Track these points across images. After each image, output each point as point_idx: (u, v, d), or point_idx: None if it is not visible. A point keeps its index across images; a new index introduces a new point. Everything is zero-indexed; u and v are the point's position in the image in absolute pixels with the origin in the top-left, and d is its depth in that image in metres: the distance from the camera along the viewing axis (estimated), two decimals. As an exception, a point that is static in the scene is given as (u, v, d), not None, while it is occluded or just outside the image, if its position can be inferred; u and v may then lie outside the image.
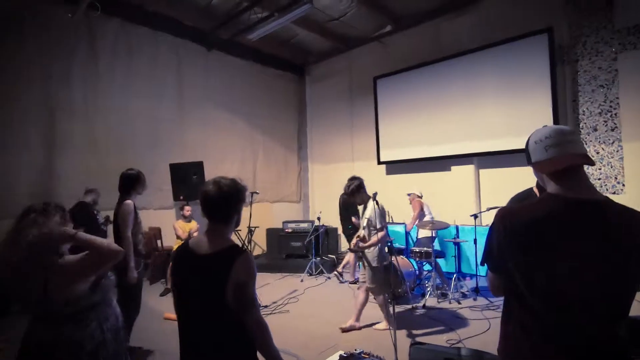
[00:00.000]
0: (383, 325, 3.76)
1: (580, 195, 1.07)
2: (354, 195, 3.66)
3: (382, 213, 3.54)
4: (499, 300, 4.35)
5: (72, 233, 1.66)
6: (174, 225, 5.72)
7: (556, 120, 5.16)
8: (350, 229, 5.73)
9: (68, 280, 1.57)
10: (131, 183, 3.05)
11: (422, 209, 5.37)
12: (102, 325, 1.66)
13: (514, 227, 1.08)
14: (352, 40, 7.74)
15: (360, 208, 3.86)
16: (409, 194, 5.60)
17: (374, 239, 3.52)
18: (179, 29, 6.73)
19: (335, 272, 6.00)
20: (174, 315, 1.58)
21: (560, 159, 1.09)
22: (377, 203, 3.42)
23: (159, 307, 4.57)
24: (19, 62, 5.05)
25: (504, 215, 1.12)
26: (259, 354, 1.47)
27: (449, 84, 6.35)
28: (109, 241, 1.73)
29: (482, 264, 1.22)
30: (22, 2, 5.07)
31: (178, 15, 6.58)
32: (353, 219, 5.67)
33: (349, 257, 5.82)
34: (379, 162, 7.42)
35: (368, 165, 7.61)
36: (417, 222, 5.25)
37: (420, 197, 5.52)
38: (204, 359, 1.44)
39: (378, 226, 3.49)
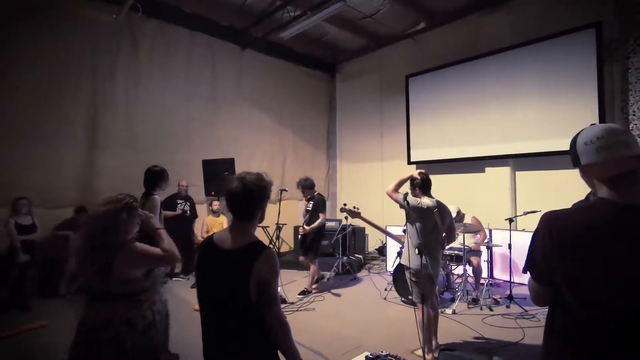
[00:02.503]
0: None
1: (636, 200, 0.98)
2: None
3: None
4: (534, 309, 4.15)
5: (157, 226, 1.88)
6: (204, 222, 5.89)
7: (602, 121, 4.84)
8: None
9: (131, 264, 1.71)
10: (155, 179, 3.17)
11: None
12: (152, 308, 1.80)
13: (560, 232, 1.01)
14: (384, 38, 7.62)
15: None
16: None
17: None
18: (214, 29, 6.89)
19: (306, 290, 5.21)
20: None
21: (615, 162, 1.01)
22: (407, 204, 3.36)
23: (190, 298, 4.71)
24: (68, 62, 5.36)
25: (550, 219, 1.05)
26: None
27: (485, 82, 6.10)
28: (173, 248, 1.86)
29: (524, 271, 1.14)
30: (72, 5, 5.39)
31: (214, 15, 6.74)
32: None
33: (312, 270, 5.33)
34: (409, 162, 7.26)
35: (398, 165, 7.47)
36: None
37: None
38: (225, 353, 1.44)
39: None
